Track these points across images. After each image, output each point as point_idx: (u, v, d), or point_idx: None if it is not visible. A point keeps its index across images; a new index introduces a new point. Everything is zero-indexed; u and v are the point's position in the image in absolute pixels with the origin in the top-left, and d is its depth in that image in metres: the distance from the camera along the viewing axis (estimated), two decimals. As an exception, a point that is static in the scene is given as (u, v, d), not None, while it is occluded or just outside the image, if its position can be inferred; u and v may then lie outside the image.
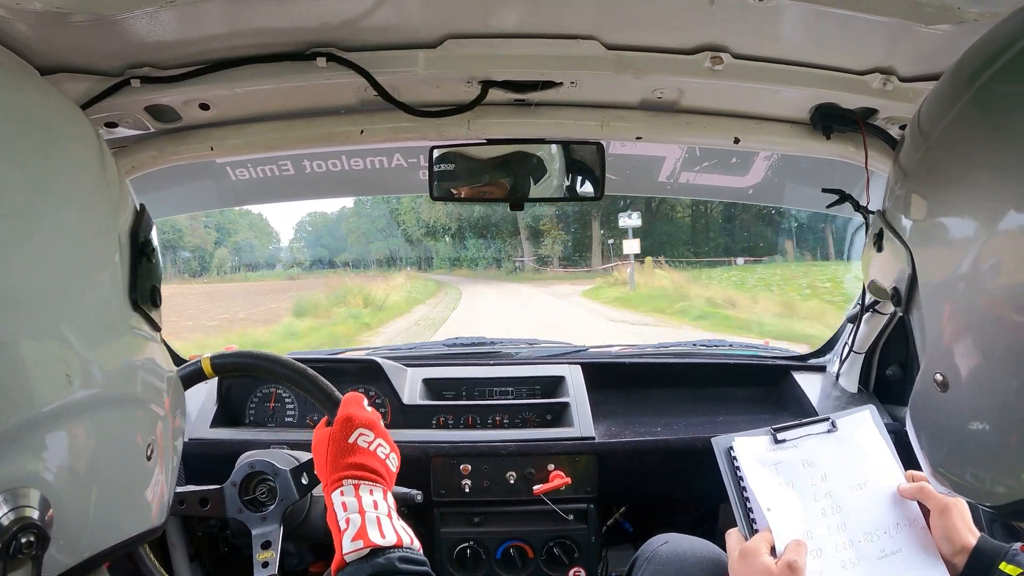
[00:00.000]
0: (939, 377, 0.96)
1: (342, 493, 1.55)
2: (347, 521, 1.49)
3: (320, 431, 1.69)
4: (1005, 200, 0.81)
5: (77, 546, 0.89)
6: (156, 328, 1.08)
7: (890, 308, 2.47)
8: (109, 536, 0.94)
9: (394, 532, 1.49)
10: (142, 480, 1.01)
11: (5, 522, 0.77)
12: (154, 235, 1.07)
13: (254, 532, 1.88)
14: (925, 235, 0.96)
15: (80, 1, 1.35)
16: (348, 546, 1.45)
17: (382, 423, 1.71)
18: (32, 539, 0.79)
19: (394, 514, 1.56)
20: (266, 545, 1.87)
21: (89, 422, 0.88)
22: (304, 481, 1.88)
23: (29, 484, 0.80)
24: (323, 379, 1.84)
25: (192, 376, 1.88)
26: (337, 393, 1.81)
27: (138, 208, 1.06)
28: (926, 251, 0.96)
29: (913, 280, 0.99)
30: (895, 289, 1.03)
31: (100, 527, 0.92)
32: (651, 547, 1.92)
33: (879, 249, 1.08)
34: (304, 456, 2.00)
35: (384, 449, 1.67)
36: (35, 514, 0.80)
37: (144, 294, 1.02)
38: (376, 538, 1.46)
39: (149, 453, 1.00)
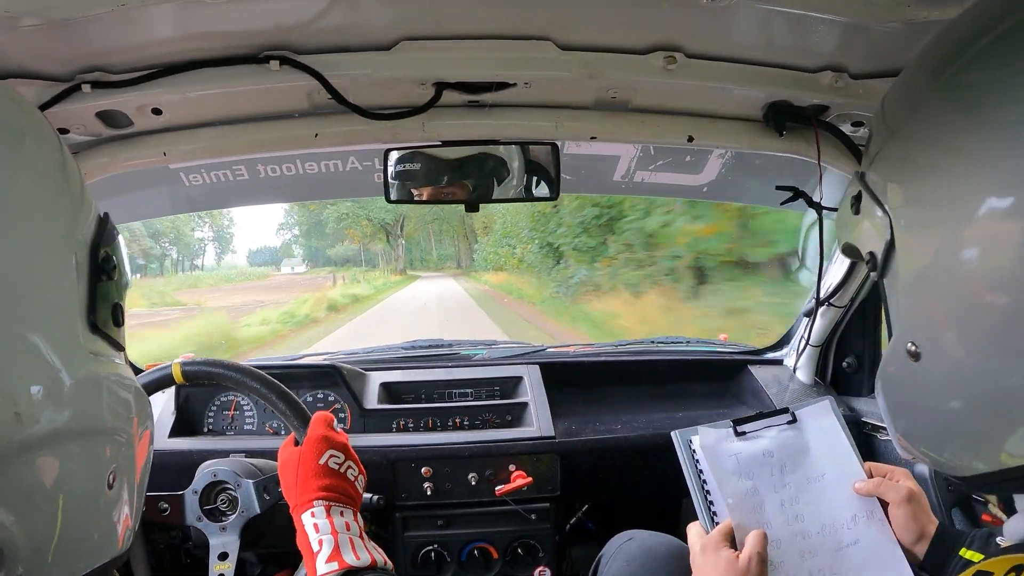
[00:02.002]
0: (911, 347, 0.96)
1: (313, 515, 1.55)
2: (320, 542, 1.50)
3: (288, 451, 1.68)
4: (981, 184, 0.83)
5: None
6: (119, 348, 1.02)
7: (845, 301, 2.51)
8: (72, 570, 0.90)
9: (368, 553, 1.50)
10: (104, 510, 0.95)
11: None
12: (121, 246, 1.01)
13: (212, 542, 1.87)
14: (909, 205, 0.96)
15: (30, 4, 1.32)
16: (323, 567, 1.46)
17: (350, 445, 1.71)
18: None
19: (366, 535, 1.56)
20: (223, 556, 1.86)
21: (43, 458, 0.82)
22: (266, 497, 1.87)
23: None
24: (293, 395, 1.83)
25: (161, 381, 1.85)
26: (307, 411, 1.79)
27: (101, 216, 0.99)
28: (908, 221, 0.96)
29: (891, 247, 0.98)
30: (871, 254, 1.03)
31: (62, 563, 0.87)
32: (616, 544, 1.93)
33: (856, 212, 1.08)
34: (264, 464, 1.98)
35: (353, 471, 1.67)
36: None
37: (104, 315, 0.95)
38: (351, 559, 1.47)
39: (111, 481, 0.95)
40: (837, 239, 1.20)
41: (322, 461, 1.63)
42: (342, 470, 1.64)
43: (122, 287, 1.01)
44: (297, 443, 1.69)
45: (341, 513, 1.57)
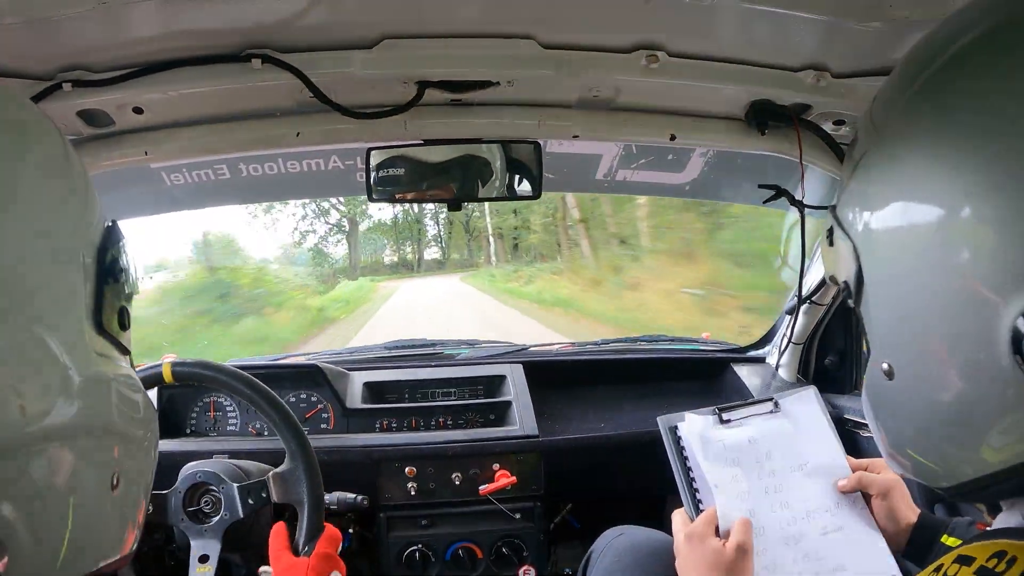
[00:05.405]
0: (885, 367, 0.98)
1: None
2: None
3: (291, 561, 1.70)
4: (949, 195, 0.83)
5: None
6: (124, 351, 1.01)
7: (827, 299, 2.52)
8: (73, 569, 0.88)
9: None
10: (107, 512, 0.93)
11: None
12: (125, 251, 0.99)
13: (193, 543, 1.86)
14: (868, 228, 0.98)
15: (11, 2, 1.31)
16: None
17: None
18: None
19: None
20: (203, 559, 1.85)
21: (45, 456, 0.80)
22: (250, 502, 1.85)
23: None
24: (280, 400, 1.82)
25: (148, 381, 1.83)
26: (290, 411, 1.80)
27: (108, 223, 0.98)
28: (870, 245, 0.98)
29: (860, 275, 1.00)
30: (846, 283, 1.05)
31: (62, 560, 0.85)
32: (606, 539, 1.94)
33: (831, 243, 1.10)
34: (248, 465, 1.97)
35: None
36: None
37: (110, 318, 0.93)
38: None
39: (115, 482, 0.93)
40: (825, 273, 1.22)
41: None
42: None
43: (129, 291, 0.99)
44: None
45: None
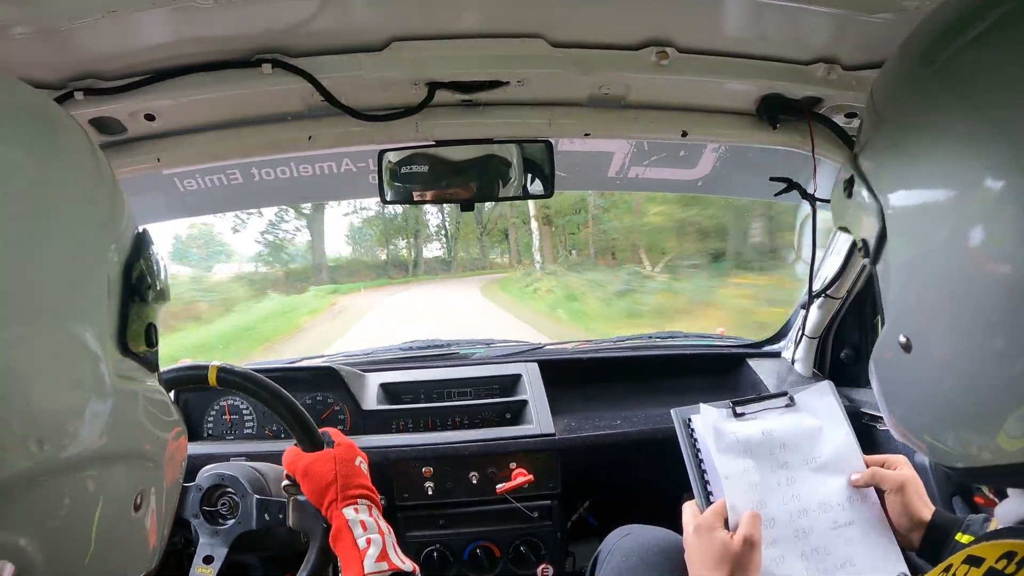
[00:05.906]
0: (903, 339, 0.95)
1: (357, 510, 1.57)
2: (368, 541, 1.51)
3: (315, 454, 1.70)
4: (978, 168, 0.81)
5: None
6: (152, 369, 0.96)
7: (842, 292, 2.51)
8: None
9: (409, 560, 1.53)
10: (129, 533, 0.91)
11: None
12: (157, 263, 0.94)
13: (201, 540, 1.87)
14: (900, 193, 0.94)
15: (22, 12, 1.32)
16: (371, 566, 1.47)
17: None
18: None
19: None
20: (208, 560, 1.85)
21: (66, 483, 0.77)
22: (266, 517, 1.85)
23: (1, 556, 0.71)
24: (315, 429, 1.82)
25: (193, 379, 1.83)
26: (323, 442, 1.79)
27: (138, 232, 0.93)
28: (899, 209, 0.94)
29: (882, 235, 0.96)
30: (864, 241, 1.01)
31: None
32: (613, 540, 1.93)
33: (848, 195, 1.05)
34: (267, 468, 1.98)
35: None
36: None
37: (136, 337, 0.89)
38: (398, 562, 1.49)
39: (138, 503, 0.90)
40: (833, 219, 1.19)
41: (357, 464, 1.65)
42: (368, 474, 1.66)
43: (160, 303, 0.95)
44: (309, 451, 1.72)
45: (379, 515, 1.59)
